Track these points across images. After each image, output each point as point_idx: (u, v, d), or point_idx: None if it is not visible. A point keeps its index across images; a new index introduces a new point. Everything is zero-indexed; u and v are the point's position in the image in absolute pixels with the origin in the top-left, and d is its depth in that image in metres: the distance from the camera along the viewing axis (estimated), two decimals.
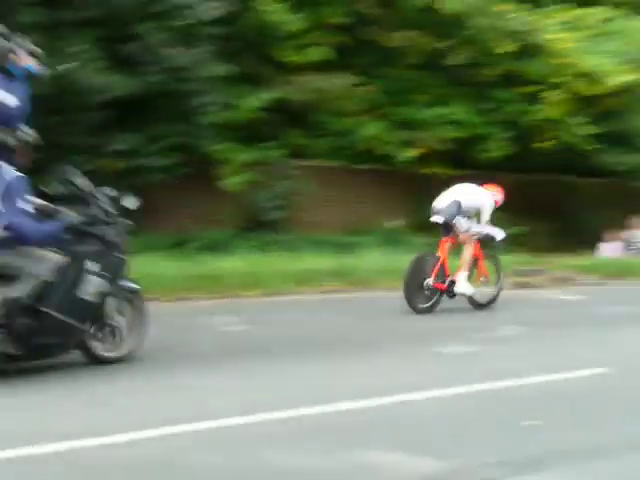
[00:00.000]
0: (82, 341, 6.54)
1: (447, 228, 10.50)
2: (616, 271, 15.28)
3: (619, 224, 18.08)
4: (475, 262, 10.78)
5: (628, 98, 17.20)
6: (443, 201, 10.52)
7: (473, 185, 10.76)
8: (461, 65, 16.57)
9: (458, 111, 16.62)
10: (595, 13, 17.33)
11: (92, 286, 6.39)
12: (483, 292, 10.91)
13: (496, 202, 10.78)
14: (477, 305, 10.80)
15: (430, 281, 10.19)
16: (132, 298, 6.97)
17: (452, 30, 16.27)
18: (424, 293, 10.21)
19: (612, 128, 17.20)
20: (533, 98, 16.92)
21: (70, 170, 6.67)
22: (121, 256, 6.75)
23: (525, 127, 17.10)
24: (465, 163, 16.79)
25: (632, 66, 16.40)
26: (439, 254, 10.42)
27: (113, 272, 6.61)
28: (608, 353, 8.46)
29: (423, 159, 16.51)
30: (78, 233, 6.41)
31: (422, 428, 5.47)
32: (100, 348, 6.68)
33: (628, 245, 17.97)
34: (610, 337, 9.55)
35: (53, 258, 6.19)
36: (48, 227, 6.29)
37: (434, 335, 9.04)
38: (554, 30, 16.46)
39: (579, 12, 17.24)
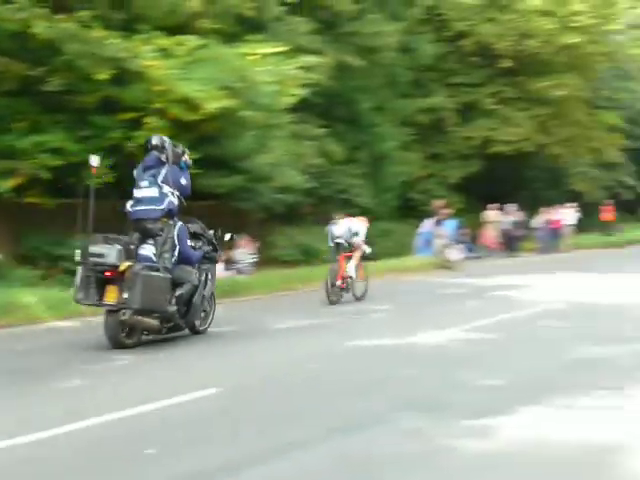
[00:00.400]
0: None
1: (340, 247, 15.74)
2: (222, 290, 15.82)
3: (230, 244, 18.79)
4: (357, 267, 15.92)
5: (223, 123, 17.91)
6: (340, 229, 15.89)
7: (352, 218, 16.63)
8: (58, 91, 16.19)
9: (57, 138, 16.17)
10: (188, 41, 17.78)
11: (208, 288, 11.39)
12: (360, 289, 15.96)
13: (367, 226, 16.49)
14: (356, 299, 15.78)
15: (338, 283, 15.38)
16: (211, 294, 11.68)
17: (47, 56, 15.86)
18: (335, 291, 15.31)
19: (210, 152, 17.80)
20: (135, 124, 17.00)
21: (191, 219, 11.49)
22: (215, 269, 11.91)
23: (128, 153, 17.12)
24: (66, 191, 16.45)
25: (225, 92, 17.07)
26: (340, 265, 15.54)
27: (213, 279, 11.65)
28: (219, 373, 8.75)
29: (24, 189, 15.90)
30: (204, 257, 11.28)
31: (26, 474, 5.27)
32: (198, 325, 11.33)
33: (231, 264, 18.74)
34: (220, 357, 9.91)
35: (195, 272, 10.94)
36: (198, 254, 11.12)
37: (45, 372, 8.76)
38: (150, 57, 16.63)
39: (173, 40, 17.59)
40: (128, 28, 17.18)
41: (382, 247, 23.79)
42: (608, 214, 36.92)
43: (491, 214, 28.12)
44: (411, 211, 28.55)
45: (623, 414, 7.30)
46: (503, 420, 6.93)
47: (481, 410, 7.23)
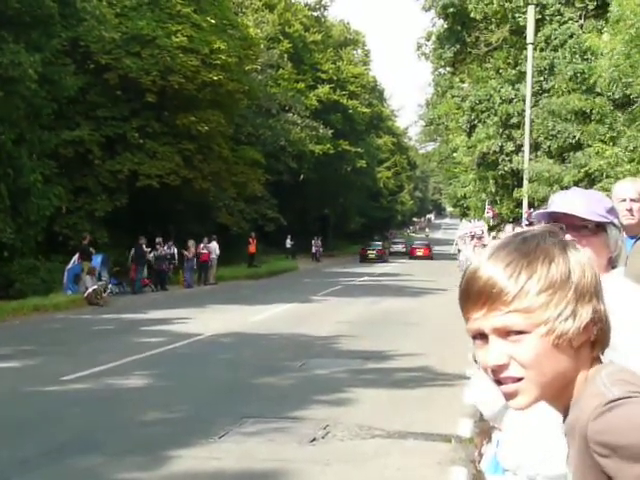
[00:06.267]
0: None
1: None
2: None
3: None
4: None
5: None
6: None
7: None
8: None
9: None
10: None
11: None
12: None
13: None
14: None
15: None
16: None
17: None
18: None
19: None
20: None
21: None
22: None
23: None
24: None
25: None
26: None
27: None
28: None
29: None
30: None
31: None
32: None
33: None
34: None
35: None
36: None
37: None
38: None
39: None
40: None
41: (28, 285, 22.71)
42: (251, 246, 38.27)
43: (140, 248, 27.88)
44: (57, 246, 27.57)
45: (278, 440, 7.48)
46: (179, 453, 6.84)
47: (154, 445, 7.07)
